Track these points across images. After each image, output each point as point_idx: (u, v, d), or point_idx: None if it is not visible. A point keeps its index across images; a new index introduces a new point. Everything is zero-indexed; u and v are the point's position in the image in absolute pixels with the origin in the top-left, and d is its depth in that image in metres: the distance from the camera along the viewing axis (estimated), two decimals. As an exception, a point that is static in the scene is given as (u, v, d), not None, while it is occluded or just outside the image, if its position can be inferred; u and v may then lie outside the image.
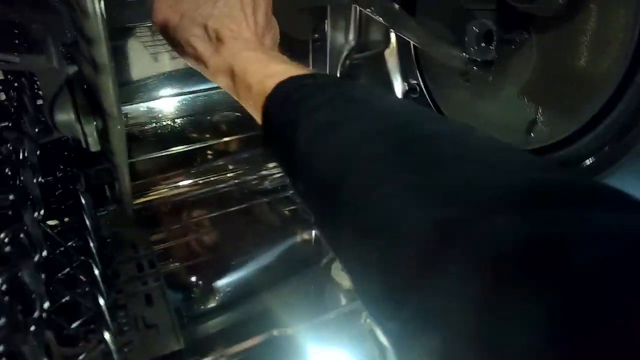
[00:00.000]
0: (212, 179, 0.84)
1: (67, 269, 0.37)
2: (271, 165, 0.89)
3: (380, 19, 0.63)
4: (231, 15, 0.39)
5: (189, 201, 0.84)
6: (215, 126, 0.84)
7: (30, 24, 0.41)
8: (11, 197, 0.28)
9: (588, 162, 0.47)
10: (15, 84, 0.35)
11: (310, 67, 0.81)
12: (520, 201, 0.18)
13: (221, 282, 0.85)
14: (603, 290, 0.13)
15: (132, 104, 0.72)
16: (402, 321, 0.20)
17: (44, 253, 0.34)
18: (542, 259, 0.15)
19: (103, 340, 0.33)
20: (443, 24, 0.58)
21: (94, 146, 0.33)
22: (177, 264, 0.82)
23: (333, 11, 0.74)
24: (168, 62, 0.74)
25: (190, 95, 0.77)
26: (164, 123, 0.78)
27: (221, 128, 0.85)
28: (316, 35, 0.82)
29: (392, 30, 0.68)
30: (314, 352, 0.62)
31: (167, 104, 0.76)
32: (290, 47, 0.86)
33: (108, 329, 0.33)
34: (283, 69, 0.35)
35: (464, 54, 0.53)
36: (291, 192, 0.92)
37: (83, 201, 0.45)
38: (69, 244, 0.43)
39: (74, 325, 0.33)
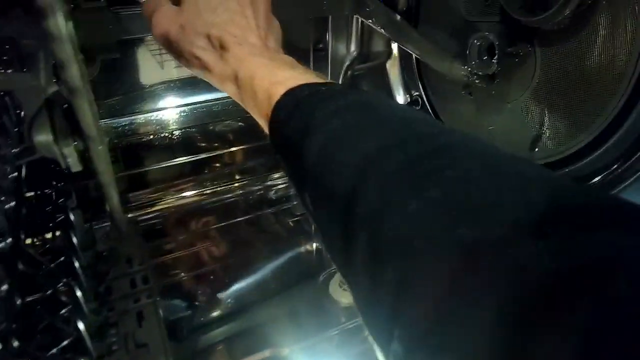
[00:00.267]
0: (218, 189, 0.84)
1: (50, 290, 0.36)
2: (276, 175, 0.88)
3: (382, 30, 0.62)
4: (233, 20, 0.38)
5: (195, 211, 0.83)
6: (221, 136, 0.84)
7: (22, 38, 0.40)
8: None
9: (595, 180, 0.45)
10: (-2, 102, 0.34)
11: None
12: (546, 223, 0.17)
13: (224, 293, 0.84)
14: None
15: (139, 114, 0.72)
16: (411, 348, 0.19)
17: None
18: (576, 292, 0.14)
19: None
20: (446, 36, 0.56)
21: (75, 167, 0.32)
22: (181, 274, 0.82)
23: (335, 22, 0.73)
24: (174, 70, 0.73)
25: (197, 105, 0.77)
26: (170, 133, 0.77)
27: (227, 138, 0.85)
28: (320, 45, 0.81)
29: (393, 41, 0.66)
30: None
31: (173, 113, 0.75)
32: (291, 56, 0.86)
33: (88, 356, 0.32)
34: (290, 75, 0.34)
35: (466, 67, 0.51)
36: (295, 202, 0.91)
37: (72, 218, 0.44)
38: (58, 261, 0.42)
39: (53, 351, 0.32)
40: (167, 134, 0.77)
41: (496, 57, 0.47)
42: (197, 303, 0.81)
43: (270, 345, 0.60)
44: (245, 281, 0.85)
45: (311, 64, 0.81)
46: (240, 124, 0.84)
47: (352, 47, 0.73)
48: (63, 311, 0.36)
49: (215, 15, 0.38)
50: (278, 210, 0.89)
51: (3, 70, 0.35)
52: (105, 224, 0.68)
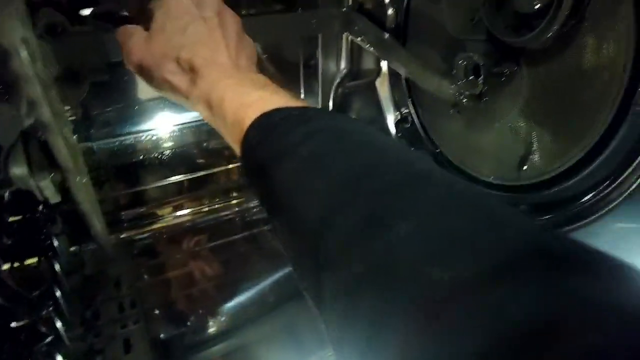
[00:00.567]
0: (215, 206, 0.84)
1: (28, 322, 0.35)
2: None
3: (371, 48, 0.62)
4: (201, 42, 0.38)
5: (190, 229, 0.83)
6: (216, 152, 0.84)
7: (4, 68, 0.40)
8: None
9: (585, 200, 0.44)
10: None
11: (302, 95, 0.80)
12: (519, 267, 0.17)
13: (220, 311, 0.83)
14: None
15: (135, 133, 0.72)
16: None
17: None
18: (541, 343, 0.14)
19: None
20: (434, 54, 0.56)
21: (53, 199, 0.32)
22: (176, 292, 0.81)
23: (325, 39, 0.73)
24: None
25: (191, 122, 0.77)
26: (164, 151, 0.77)
27: (223, 154, 0.85)
28: (310, 62, 0.81)
29: (382, 59, 0.67)
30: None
31: (167, 131, 0.75)
32: (281, 74, 0.86)
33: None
34: (258, 97, 0.33)
35: (453, 85, 0.51)
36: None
37: (55, 244, 0.44)
38: (38, 292, 0.41)
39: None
40: (161, 152, 0.77)
41: (482, 77, 0.47)
42: (192, 321, 0.81)
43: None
44: (242, 298, 0.85)
45: (301, 81, 0.81)
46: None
47: (342, 65, 0.73)
48: (43, 343, 0.35)
49: (184, 37, 0.38)
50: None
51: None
52: (94, 245, 0.67)
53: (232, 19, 0.41)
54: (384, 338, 0.19)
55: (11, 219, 0.44)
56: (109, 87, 0.69)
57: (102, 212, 0.61)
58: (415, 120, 0.63)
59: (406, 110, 0.64)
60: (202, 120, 0.76)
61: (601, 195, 0.44)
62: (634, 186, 0.39)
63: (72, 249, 0.60)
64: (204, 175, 0.81)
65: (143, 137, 0.74)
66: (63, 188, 0.33)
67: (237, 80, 0.36)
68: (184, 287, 0.81)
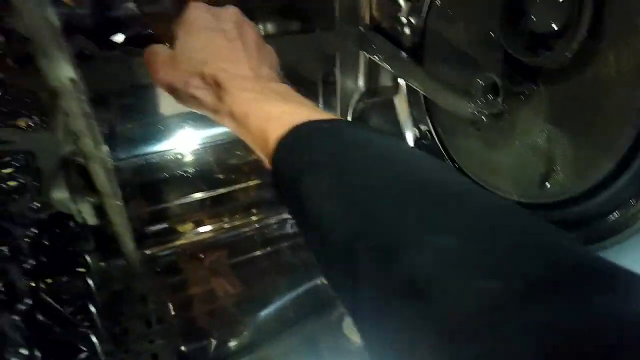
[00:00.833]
0: (235, 223, 0.85)
1: (66, 338, 0.37)
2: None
3: (388, 66, 0.63)
4: (223, 55, 0.39)
5: (212, 245, 0.84)
6: (237, 168, 0.85)
7: (41, 91, 0.42)
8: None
9: (612, 217, 0.44)
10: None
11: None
12: (563, 282, 0.17)
13: (239, 327, 0.84)
14: None
15: (158, 152, 0.74)
16: None
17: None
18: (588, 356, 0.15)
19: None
20: (451, 73, 0.57)
21: (91, 221, 0.34)
22: (198, 308, 0.82)
23: (342, 57, 0.75)
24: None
25: (214, 139, 0.78)
26: (189, 168, 0.79)
27: (243, 170, 0.86)
28: (329, 79, 0.83)
29: (400, 78, 0.68)
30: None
31: (191, 148, 0.77)
32: (300, 90, 0.87)
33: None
34: (283, 111, 0.34)
35: (472, 104, 0.51)
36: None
37: (89, 262, 0.45)
38: (74, 307, 0.43)
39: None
40: (185, 170, 0.79)
41: (501, 96, 0.47)
42: (215, 336, 0.82)
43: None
44: (262, 313, 0.85)
45: (320, 97, 0.83)
46: (255, 156, 0.85)
47: (360, 82, 0.74)
48: (79, 358, 0.37)
49: (206, 52, 0.39)
50: (294, 244, 0.90)
51: (22, 129, 0.37)
52: (121, 261, 0.69)
53: (250, 29, 0.42)
54: (426, 349, 0.19)
55: (46, 238, 0.46)
56: (134, 106, 0.71)
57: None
58: (434, 136, 0.63)
59: (425, 127, 0.64)
60: (224, 137, 0.78)
61: (629, 213, 0.43)
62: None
63: (101, 264, 0.62)
64: (225, 192, 0.83)
65: (167, 155, 0.76)
66: (99, 211, 0.35)
67: (260, 93, 0.37)
68: (206, 302, 0.83)
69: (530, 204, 0.51)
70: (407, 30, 0.61)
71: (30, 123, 0.39)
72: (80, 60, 0.50)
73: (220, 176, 0.84)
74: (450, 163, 0.62)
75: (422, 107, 0.64)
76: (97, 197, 0.33)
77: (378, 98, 0.72)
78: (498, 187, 0.55)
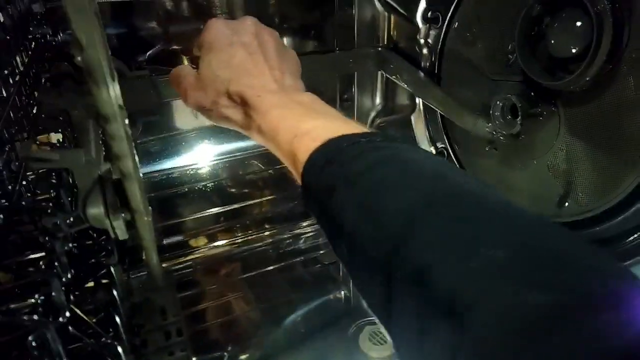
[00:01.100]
0: (249, 238, 0.86)
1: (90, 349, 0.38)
2: (305, 223, 0.90)
3: (406, 86, 0.64)
4: (246, 71, 0.39)
5: (226, 260, 0.85)
6: (251, 183, 0.86)
7: (73, 110, 0.44)
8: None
9: (628, 240, 0.44)
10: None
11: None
12: (611, 294, 0.18)
13: (252, 340, 0.85)
14: None
15: (175, 167, 0.75)
16: None
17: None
18: None
19: None
20: (469, 93, 0.58)
21: (122, 236, 0.35)
22: (211, 322, 0.83)
23: (360, 76, 0.76)
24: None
25: (230, 155, 0.80)
26: (208, 183, 0.80)
27: (258, 185, 0.87)
28: (345, 96, 0.84)
29: (417, 97, 0.69)
30: None
31: (207, 163, 0.78)
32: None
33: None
34: (313, 126, 0.34)
35: (490, 124, 0.52)
36: (323, 251, 0.91)
37: (114, 275, 0.47)
38: (99, 317, 0.44)
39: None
40: (203, 184, 0.80)
41: (519, 117, 0.48)
42: (229, 350, 0.82)
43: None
44: (275, 327, 0.86)
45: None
46: (270, 171, 0.86)
47: (377, 100, 0.76)
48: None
49: (229, 70, 0.39)
50: (307, 259, 0.90)
51: (59, 147, 0.39)
52: (141, 273, 0.70)
53: (269, 37, 0.42)
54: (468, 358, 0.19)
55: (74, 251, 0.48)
56: (155, 122, 0.73)
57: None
58: (451, 154, 0.64)
59: (442, 145, 0.65)
60: (240, 152, 0.79)
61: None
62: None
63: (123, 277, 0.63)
64: (239, 207, 0.83)
65: (185, 170, 0.77)
66: (129, 226, 0.36)
67: (287, 107, 0.37)
68: (219, 316, 0.83)
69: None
70: (425, 51, 0.62)
71: (64, 141, 0.41)
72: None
73: (235, 191, 0.85)
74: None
75: (439, 125, 0.65)
76: (129, 214, 0.34)
77: (395, 115, 0.73)
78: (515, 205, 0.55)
